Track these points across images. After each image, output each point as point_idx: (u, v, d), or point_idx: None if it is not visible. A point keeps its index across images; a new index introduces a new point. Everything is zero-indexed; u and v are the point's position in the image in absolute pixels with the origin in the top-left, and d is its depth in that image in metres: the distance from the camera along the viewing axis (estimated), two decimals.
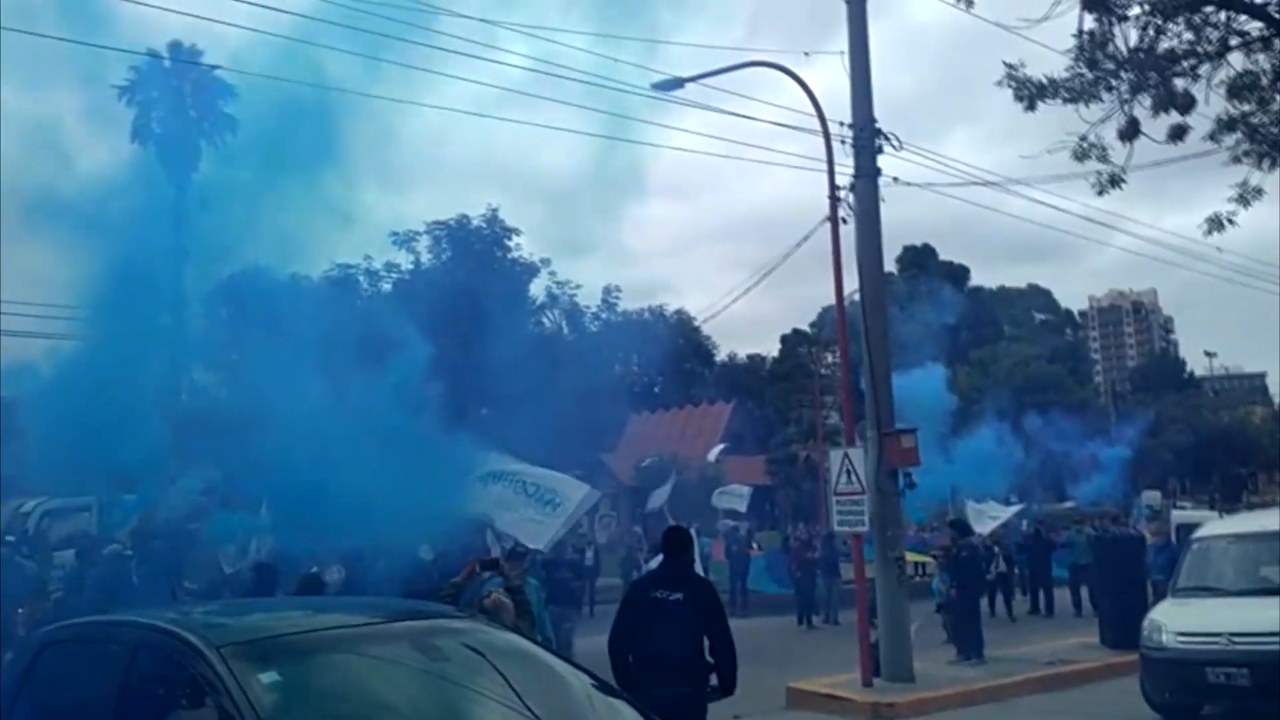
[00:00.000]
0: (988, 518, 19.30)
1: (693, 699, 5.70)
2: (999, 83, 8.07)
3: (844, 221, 11.98)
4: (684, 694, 5.59)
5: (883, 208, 11.91)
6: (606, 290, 26.79)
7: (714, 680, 5.81)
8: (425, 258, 23.46)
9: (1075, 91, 7.68)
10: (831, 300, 12.46)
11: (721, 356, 54.53)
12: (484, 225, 24.15)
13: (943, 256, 59.61)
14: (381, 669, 3.80)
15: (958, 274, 56.33)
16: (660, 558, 6.60)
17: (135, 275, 14.49)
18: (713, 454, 35.39)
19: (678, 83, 12.75)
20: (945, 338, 34.80)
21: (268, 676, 3.42)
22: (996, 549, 18.36)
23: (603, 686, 4.30)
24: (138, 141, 24.22)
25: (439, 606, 5.02)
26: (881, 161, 11.83)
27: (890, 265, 55.71)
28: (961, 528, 14.74)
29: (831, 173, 12.04)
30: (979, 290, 59.70)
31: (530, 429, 16.08)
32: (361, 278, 22.64)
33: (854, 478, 11.22)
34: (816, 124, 12.17)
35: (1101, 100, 7.76)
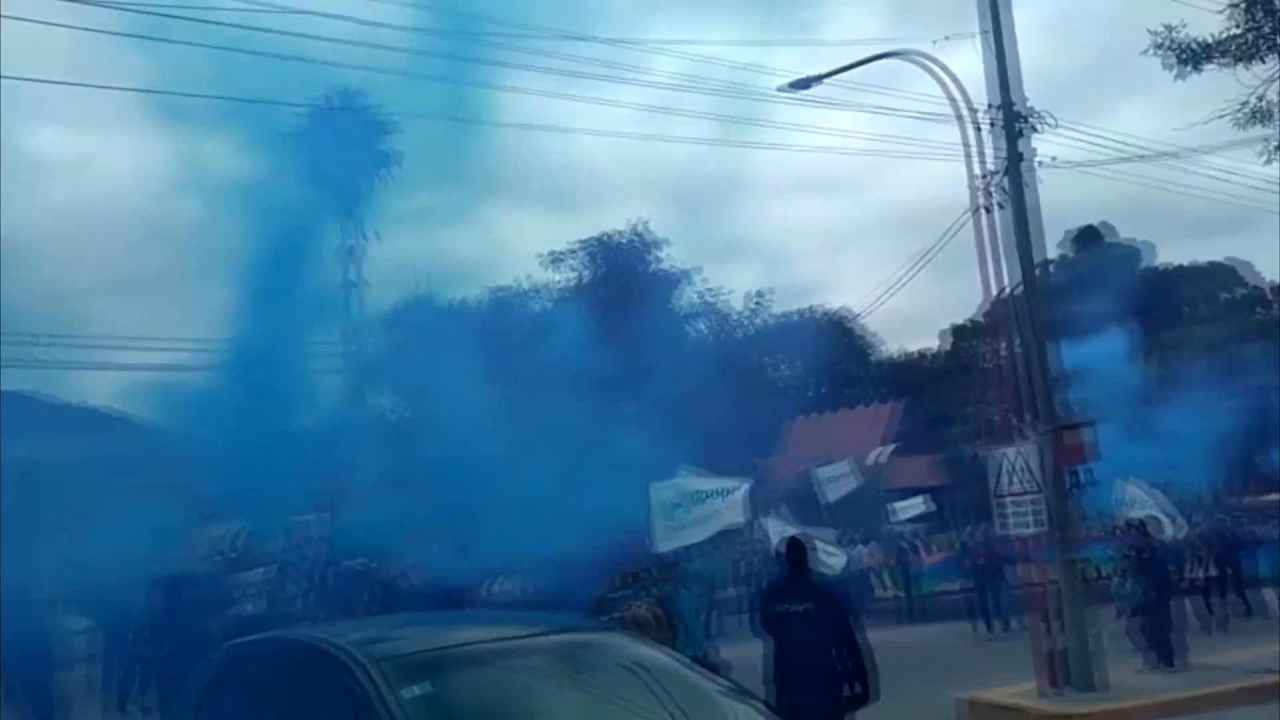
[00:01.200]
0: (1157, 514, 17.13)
1: (826, 709, 5.67)
2: (1150, 50, 7.49)
3: (1000, 207, 11.50)
4: (816, 704, 5.58)
5: (1045, 190, 11.41)
6: (755, 294, 26.74)
7: (849, 689, 5.74)
8: (577, 275, 24.08)
9: (1236, 53, 7.03)
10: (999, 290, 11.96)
11: (883, 354, 52.99)
12: (632, 239, 24.56)
13: (1122, 236, 55.74)
14: (528, 683, 3.91)
15: (1133, 254, 52.48)
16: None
17: (315, 309, 15.53)
18: (878, 455, 34.37)
19: (811, 81, 12.60)
20: (1126, 304, 31.88)
21: (417, 690, 3.58)
22: (1205, 549, 16.90)
23: (750, 702, 4.27)
24: (311, 185, 25.80)
25: (585, 620, 5.12)
26: (1038, 142, 11.36)
27: (1062, 249, 52.53)
28: (1146, 527, 13.74)
29: (981, 159, 11.58)
30: (1157, 271, 55.39)
31: (689, 437, 16.17)
32: (517, 299, 23.45)
33: (1020, 478, 10.71)
34: (966, 109, 11.76)
35: (1263, 61, 7.07)
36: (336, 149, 26.68)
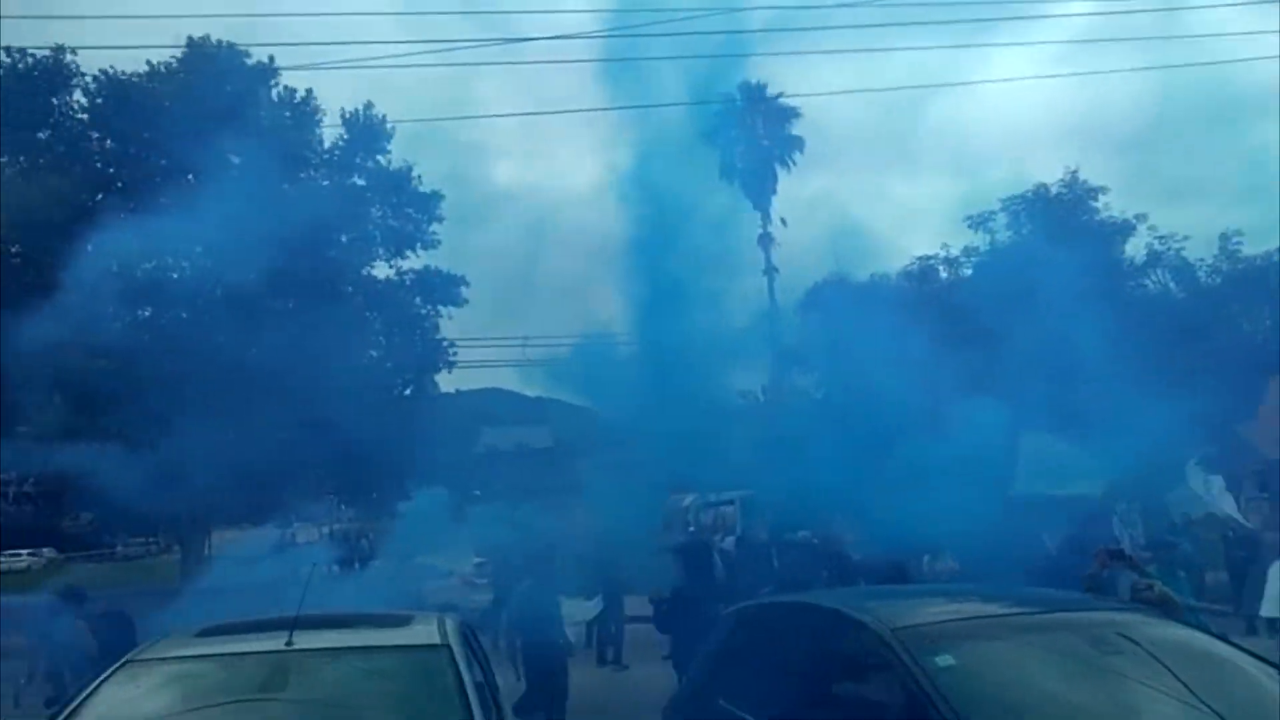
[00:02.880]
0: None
1: None
2: None
3: None
4: None
5: None
6: (1224, 237, 23.11)
7: None
8: (1003, 235, 22.60)
9: None
10: None
11: None
12: (1064, 190, 22.50)
13: None
14: (1052, 658, 3.73)
15: None
16: None
17: (733, 297, 16.20)
18: None
19: None
20: None
21: (943, 660, 3.57)
22: None
23: None
24: (725, 180, 27.09)
25: (1096, 599, 4.79)
26: None
27: None
28: None
29: None
30: None
31: (1148, 404, 14.52)
32: (940, 267, 22.58)
33: None
34: None
35: None
36: (747, 141, 27.78)
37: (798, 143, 30.24)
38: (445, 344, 22.88)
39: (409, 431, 19.26)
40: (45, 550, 38.90)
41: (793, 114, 29.98)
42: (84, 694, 3.72)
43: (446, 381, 24.73)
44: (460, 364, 23.49)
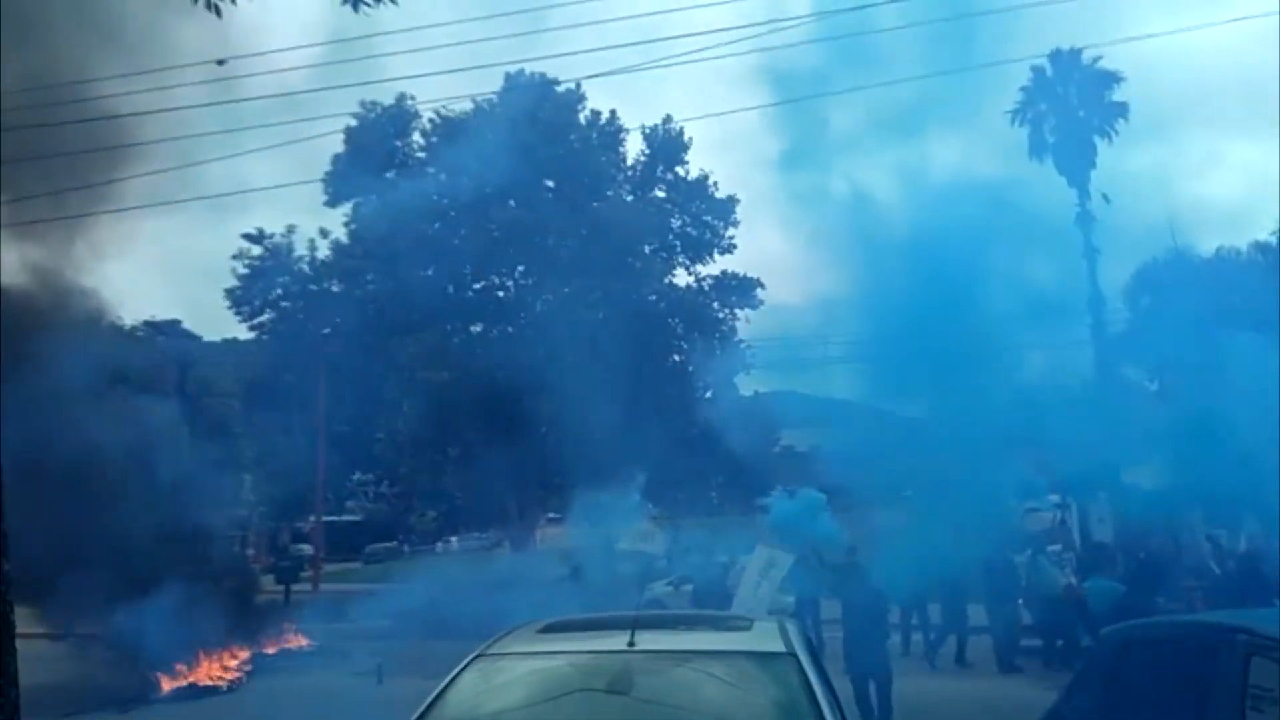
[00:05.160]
0: None
1: None
2: None
3: None
4: None
5: None
6: None
7: None
8: None
9: None
10: None
11: None
12: None
13: None
14: None
15: None
16: None
17: (1049, 286, 14.87)
18: None
19: None
20: None
21: None
22: None
23: None
24: (1035, 158, 25.14)
25: None
26: None
27: None
28: None
29: None
30: None
31: None
32: None
33: None
34: None
35: None
36: (1060, 114, 25.56)
37: (1120, 109, 27.40)
38: (743, 346, 23.13)
39: (711, 433, 19.64)
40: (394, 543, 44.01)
41: (1113, 79, 27.21)
42: (440, 686, 3.81)
43: (745, 384, 24.91)
44: (757, 366, 23.58)
